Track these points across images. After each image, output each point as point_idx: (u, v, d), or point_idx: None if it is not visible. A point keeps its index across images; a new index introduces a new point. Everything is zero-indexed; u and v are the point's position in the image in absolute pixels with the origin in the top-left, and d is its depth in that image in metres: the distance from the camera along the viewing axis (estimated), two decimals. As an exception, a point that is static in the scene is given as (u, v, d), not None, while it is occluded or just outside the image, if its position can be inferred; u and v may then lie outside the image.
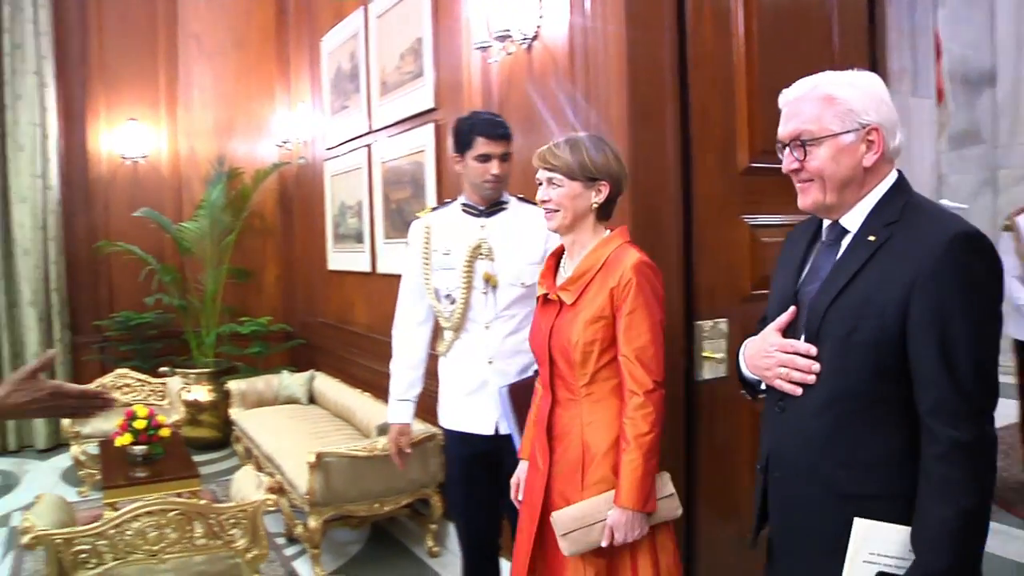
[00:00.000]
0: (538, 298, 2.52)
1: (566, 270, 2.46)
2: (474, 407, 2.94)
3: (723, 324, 2.99)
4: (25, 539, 2.93)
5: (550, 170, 2.38)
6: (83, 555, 3.01)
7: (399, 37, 4.79)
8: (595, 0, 2.99)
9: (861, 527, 1.68)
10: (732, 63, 3.01)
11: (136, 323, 6.98)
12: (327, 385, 5.90)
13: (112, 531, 3.04)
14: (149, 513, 3.07)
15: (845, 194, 1.77)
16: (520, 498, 2.60)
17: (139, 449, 4.42)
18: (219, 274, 6.87)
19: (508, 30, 3.35)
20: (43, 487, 5.63)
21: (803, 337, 1.80)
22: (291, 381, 6.12)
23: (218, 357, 6.93)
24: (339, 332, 6.30)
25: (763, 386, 1.94)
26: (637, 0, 2.86)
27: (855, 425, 1.71)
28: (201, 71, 7.39)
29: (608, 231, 2.41)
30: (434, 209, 3.15)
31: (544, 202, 2.41)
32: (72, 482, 5.84)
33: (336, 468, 4.01)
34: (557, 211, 2.38)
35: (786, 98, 1.83)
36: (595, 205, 2.38)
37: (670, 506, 2.35)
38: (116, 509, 4.28)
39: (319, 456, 3.95)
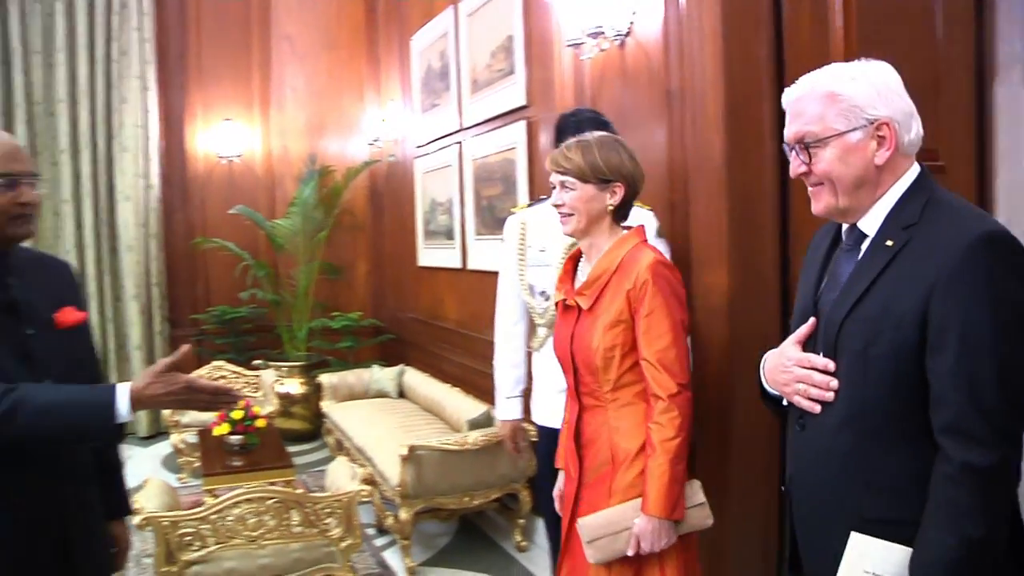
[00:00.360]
0: (557, 304, 2.47)
1: (584, 274, 2.40)
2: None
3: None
4: (136, 520, 3.05)
5: (562, 173, 2.33)
6: (188, 538, 3.14)
7: (490, 35, 4.84)
8: (690, -5, 2.98)
9: (858, 542, 1.58)
10: (830, 57, 2.95)
11: (231, 317, 7.19)
12: (417, 380, 5.99)
13: (214, 516, 3.16)
14: (249, 500, 3.17)
15: (859, 196, 1.65)
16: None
17: (236, 439, 4.54)
18: (311, 270, 7.04)
19: (601, 27, 3.35)
20: (145, 473, 5.83)
21: (821, 351, 1.69)
22: (381, 375, 6.24)
23: (309, 351, 7.09)
24: (429, 328, 6.38)
25: (785, 402, 1.81)
26: (734, -6, 2.84)
27: (876, 445, 1.59)
28: (293, 72, 7.60)
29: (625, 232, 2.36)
30: (529, 205, 3.16)
31: (558, 206, 2.35)
32: (172, 468, 6.05)
33: (428, 461, 4.07)
34: (571, 215, 2.33)
35: (788, 98, 1.71)
36: (610, 207, 2.32)
37: (700, 515, 2.28)
38: (215, 496, 4.43)
39: (411, 449, 4.02)
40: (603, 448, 2.31)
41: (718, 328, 2.87)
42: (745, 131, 2.86)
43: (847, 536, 1.60)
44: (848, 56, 2.95)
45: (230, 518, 3.17)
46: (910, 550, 1.53)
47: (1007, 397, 1.46)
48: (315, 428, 6.71)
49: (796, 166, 1.69)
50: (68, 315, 2.08)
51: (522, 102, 4.48)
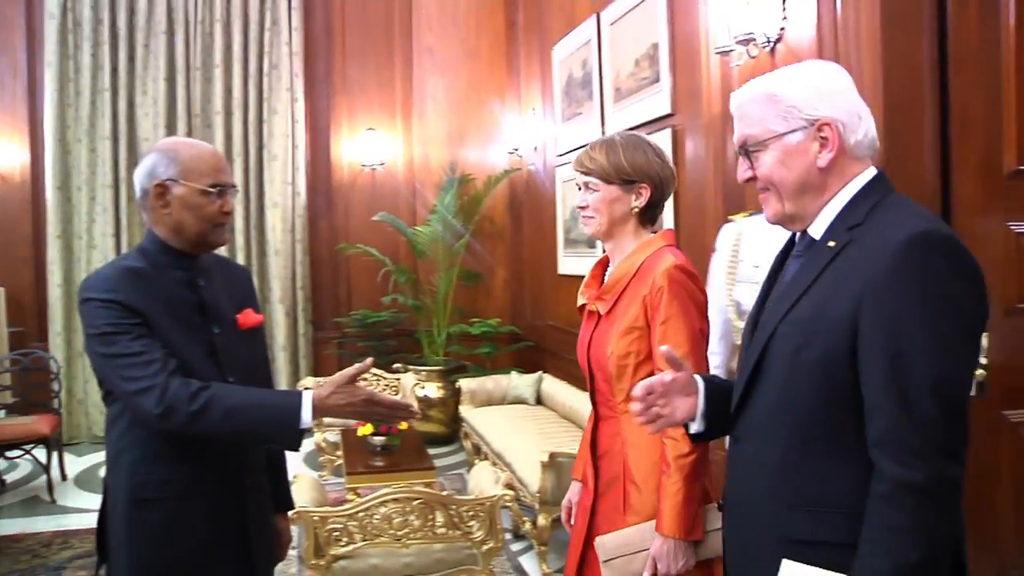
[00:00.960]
0: (578, 308, 2.37)
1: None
2: None
3: (983, 338, 2.81)
4: (288, 514, 3.17)
5: (586, 173, 2.22)
6: (336, 533, 3.23)
7: (634, 43, 4.82)
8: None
9: (788, 570, 1.44)
10: (1000, 59, 2.81)
11: (372, 321, 7.38)
12: (555, 387, 6.00)
13: (362, 514, 3.24)
14: (396, 500, 3.24)
15: (804, 201, 1.54)
16: (572, 522, 2.44)
17: (378, 439, 4.66)
18: (450, 276, 7.16)
19: (751, 33, 3.30)
20: (288, 469, 6.06)
21: (746, 361, 1.59)
22: (520, 381, 6.28)
23: (447, 356, 7.21)
24: (568, 336, 6.38)
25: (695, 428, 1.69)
26: (894, -1, 2.74)
27: (807, 458, 1.47)
28: (434, 82, 7.77)
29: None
30: (751, 214, 3.02)
31: (581, 208, 2.25)
32: (313, 466, 6.26)
33: (568, 468, 4.06)
34: (594, 217, 2.22)
35: (733, 103, 1.62)
36: (635, 209, 2.19)
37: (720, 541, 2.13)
38: (358, 494, 4.56)
39: (552, 456, 4.03)
40: (615, 460, 2.22)
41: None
42: (905, 139, 2.75)
43: (775, 557, 1.47)
44: (1021, 56, 2.81)
45: (377, 516, 3.24)
46: None
47: (944, 406, 1.33)
48: (452, 432, 6.82)
49: (742, 171, 1.61)
50: (249, 317, 2.21)
51: (667, 110, 4.43)
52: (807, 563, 1.43)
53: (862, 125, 1.53)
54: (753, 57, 3.39)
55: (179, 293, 2.07)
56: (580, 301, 2.36)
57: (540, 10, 6.86)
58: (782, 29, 3.27)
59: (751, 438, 1.59)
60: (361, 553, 3.30)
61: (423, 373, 6.90)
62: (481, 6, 7.82)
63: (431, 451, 6.42)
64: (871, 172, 1.55)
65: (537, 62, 7.00)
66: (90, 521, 4.97)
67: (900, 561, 1.32)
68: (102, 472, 6.32)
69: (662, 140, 4.47)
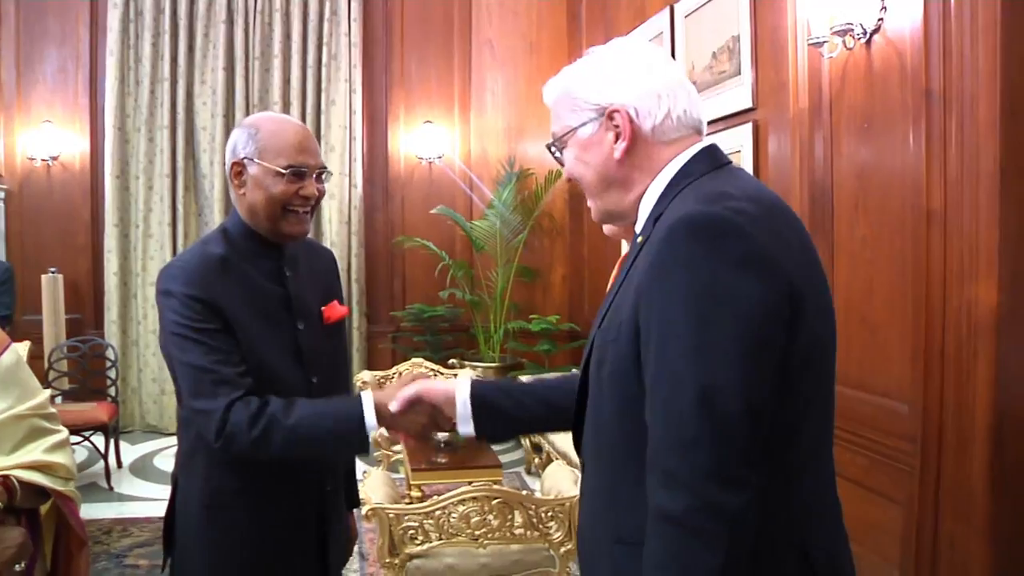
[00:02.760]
0: None
1: None
2: None
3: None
4: (364, 510, 3.11)
5: None
6: (411, 531, 3.16)
7: (711, 35, 4.70)
8: (959, -16, 2.76)
9: None
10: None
11: (428, 315, 7.29)
12: (614, 385, 5.87)
13: (439, 512, 3.17)
14: (475, 499, 3.17)
15: (611, 197, 1.41)
16: None
17: (442, 436, 4.58)
18: (508, 272, 7.09)
19: (850, 23, 3.17)
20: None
21: (581, 378, 1.44)
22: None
23: (504, 353, 7.13)
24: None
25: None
26: (1017, -17, 2.60)
27: (620, 486, 1.30)
28: (493, 76, 7.70)
29: None
30: None
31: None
32: (368, 461, 6.20)
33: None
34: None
35: (545, 100, 1.51)
36: None
37: None
38: (420, 491, 4.50)
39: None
40: None
41: (984, 346, 2.65)
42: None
43: None
44: None
45: (454, 515, 3.17)
46: None
47: (712, 423, 1.12)
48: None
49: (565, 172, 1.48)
50: (335, 310, 2.10)
51: (748, 104, 4.31)
52: None
53: (662, 105, 1.35)
54: (849, 49, 3.26)
55: (264, 285, 1.96)
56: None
57: (605, 3, 6.75)
58: (880, 20, 3.14)
59: (586, 462, 1.45)
60: (437, 552, 3.23)
61: (480, 369, 6.82)
62: (543, -1, 7.72)
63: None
64: (691, 152, 1.37)
65: (602, 57, 6.88)
66: (148, 510, 5.04)
67: None
68: (156, 460, 6.37)
69: (743, 135, 4.36)
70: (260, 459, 1.83)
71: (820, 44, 3.35)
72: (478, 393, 1.78)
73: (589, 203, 1.48)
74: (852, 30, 3.20)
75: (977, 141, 2.65)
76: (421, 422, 1.85)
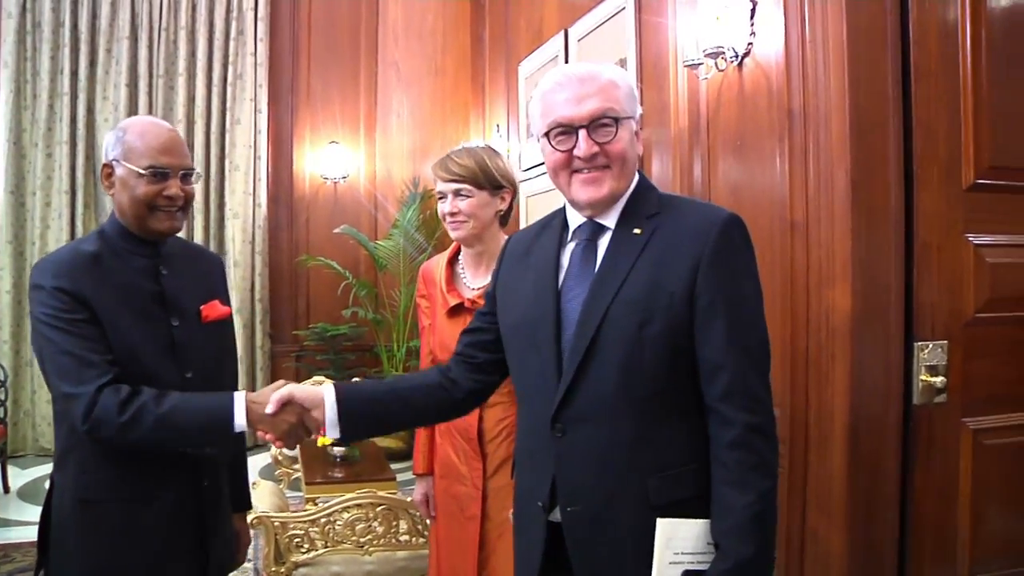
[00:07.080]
0: (451, 308, 2.48)
1: (470, 279, 2.51)
2: None
3: (943, 346, 2.86)
4: (249, 519, 3.11)
5: (457, 181, 2.37)
6: (296, 539, 3.18)
7: (602, 58, 4.83)
8: (814, 15, 2.94)
9: (665, 527, 1.59)
10: (958, 76, 2.89)
11: (331, 334, 7.26)
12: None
13: (324, 519, 3.19)
14: (359, 506, 3.20)
15: (624, 182, 1.72)
16: (433, 513, 2.77)
17: (338, 450, 4.61)
18: (412, 290, 7.12)
19: (721, 47, 3.35)
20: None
21: (568, 347, 1.66)
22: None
23: (407, 370, 7.15)
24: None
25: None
26: (859, 14, 2.79)
27: (659, 427, 1.62)
28: (399, 97, 7.78)
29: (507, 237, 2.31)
30: None
31: (453, 215, 2.38)
32: (269, 479, 6.14)
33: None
34: (466, 221, 2.37)
35: (578, 72, 1.73)
36: (499, 213, 2.40)
37: None
38: (316, 505, 4.49)
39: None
40: (504, 444, 2.42)
41: (841, 348, 2.81)
42: (871, 151, 2.80)
43: (637, 532, 1.61)
44: (977, 73, 2.89)
45: (339, 523, 3.19)
46: (707, 522, 1.58)
47: (768, 362, 1.65)
48: (408, 447, 6.74)
49: (589, 146, 1.66)
50: (214, 309, 2.12)
51: (634, 124, 4.46)
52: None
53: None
54: (721, 71, 3.43)
55: (137, 282, 1.99)
56: (454, 301, 2.48)
57: (506, 27, 6.89)
58: (750, 44, 3.31)
59: (589, 425, 1.65)
60: (322, 560, 3.24)
61: (382, 387, 6.82)
62: (447, 23, 7.84)
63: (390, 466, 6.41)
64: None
65: (503, 79, 7.01)
66: (34, 535, 4.88)
67: (761, 489, 1.54)
68: (47, 485, 6.17)
69: (629, 155, 4.49)
70: (128, 445, 1.85)
71: (695, 66, 3.51)
72: (344, 398, 1.91)
73: (607, 183, 1.68)
74: (724, 53, 3.36)
75: (832, 157, 2.83)
76: (290, 421, 1.90)
